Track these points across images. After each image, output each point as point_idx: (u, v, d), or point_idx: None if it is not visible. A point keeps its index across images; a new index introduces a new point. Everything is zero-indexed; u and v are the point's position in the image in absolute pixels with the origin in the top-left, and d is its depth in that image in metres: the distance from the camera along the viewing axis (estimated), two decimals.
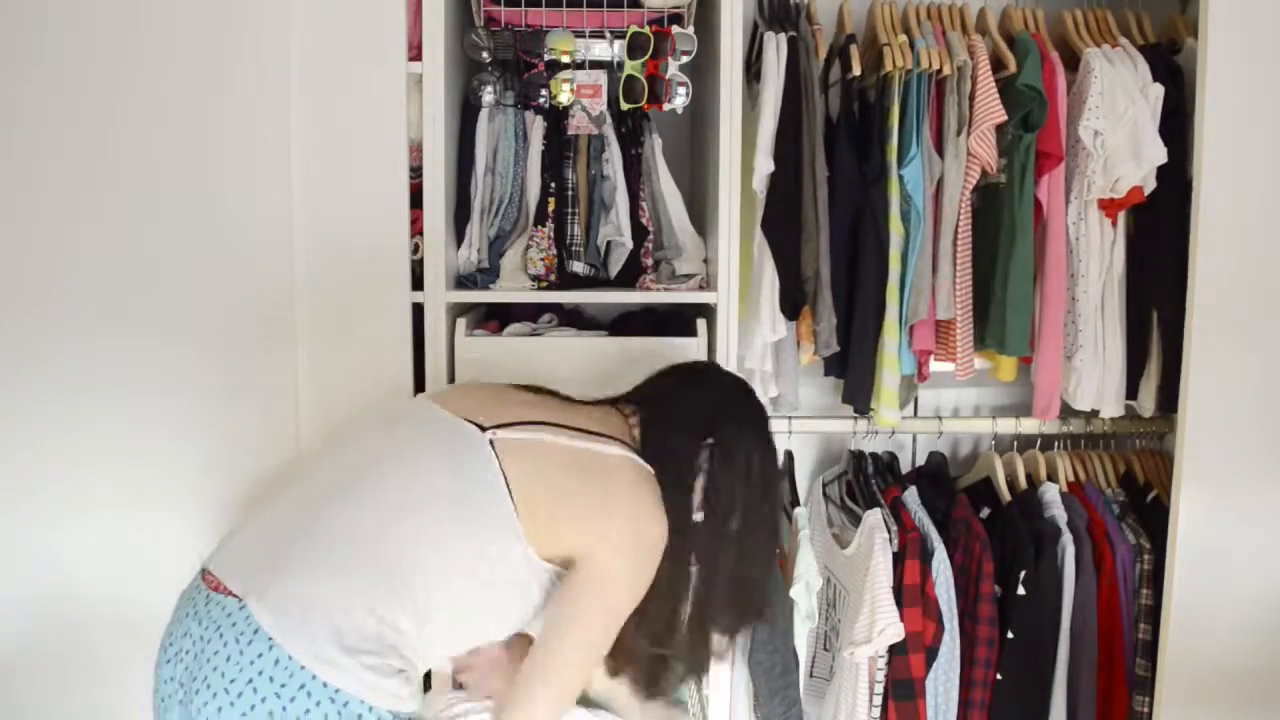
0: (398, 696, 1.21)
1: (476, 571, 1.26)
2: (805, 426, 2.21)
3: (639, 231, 1.99)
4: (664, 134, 2.03)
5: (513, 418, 1.34)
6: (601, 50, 1.90)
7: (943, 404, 2.35)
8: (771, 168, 1.88)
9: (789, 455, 2.26)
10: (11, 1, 1.73)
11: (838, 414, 2.20)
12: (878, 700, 1.96)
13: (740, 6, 1.82)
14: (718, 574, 1.41)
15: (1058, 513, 2.01)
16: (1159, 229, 1.96)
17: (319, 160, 1.79)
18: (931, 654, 1.94)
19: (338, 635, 1.17)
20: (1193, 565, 1.87)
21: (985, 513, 2.11)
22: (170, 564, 1.84)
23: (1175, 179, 1.91)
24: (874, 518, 1.97)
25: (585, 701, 1.62)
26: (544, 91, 1.89)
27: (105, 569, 1.84)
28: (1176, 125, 1.92)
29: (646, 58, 1.89)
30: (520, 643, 1.44)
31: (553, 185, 1.95)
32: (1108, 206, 1.96)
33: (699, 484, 1.39)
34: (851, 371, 1.96)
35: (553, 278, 1.94)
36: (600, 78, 1.90)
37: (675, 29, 1.87)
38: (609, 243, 1.98)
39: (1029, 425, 2.16)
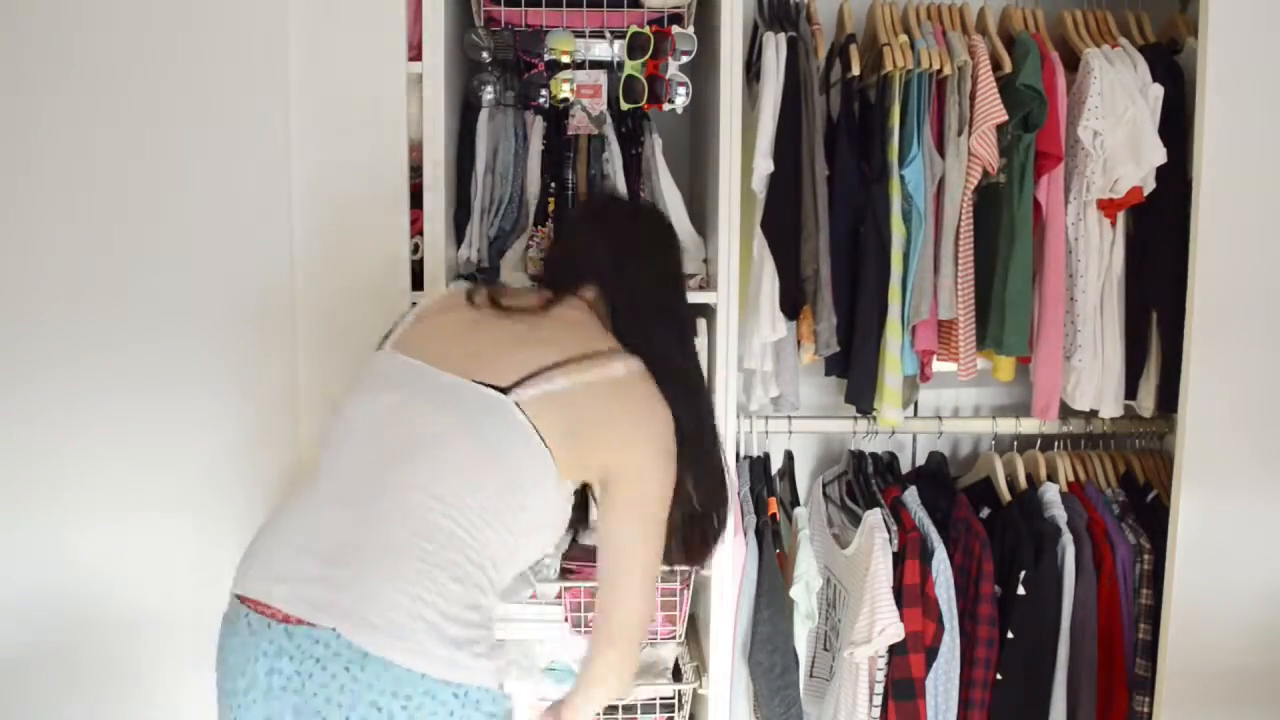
0: (501, 669, 1.25)
1: (529, 527, 1.31)
2: (805, 426, 2.21)
3: None
4: (664, 134, 2.03)
5: (521, 369, 1.31)
6: (601, 50, 1.90)
7: (943, 404, 2.35)
8: (771, 168, 1.88)
9: (789, 455, 2.26)
10: (11, 2, 1.73)
11: (838, 414, 2.20)
12: (878, 700, 1.96)
13: (740, 6, 1.82)
14: (701, 422, 1.47)
15: (1058, 513, 2.01)
16: (1159, 229, 1.96)
17: (319, 159, 1.79)
18: (931, 654, 1.94)
19: (440, 634, 1.18)
20: (1193, 565, 1.87)
21: (985, 513, 2.11)
22: (171, 564, 1.85)
23: (1175, 179, 1.91)
24: (874, 518, 1.97)
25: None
26: (544, 91, 1.89)
27: (106, 569, 1.84)
28: (1176, 125, 1.92)
29: (646, 58, 1.89)
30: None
31: (553, 185, 1.95)
32: (1107, 206, 1.96)
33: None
34: (854, 372, 1.96)
35: None
36: (600, 78, 1.90)
37: (675, 29, 1.87)
38: None
39: (1029, 425, 2.17)
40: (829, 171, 1.92)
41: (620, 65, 1.89)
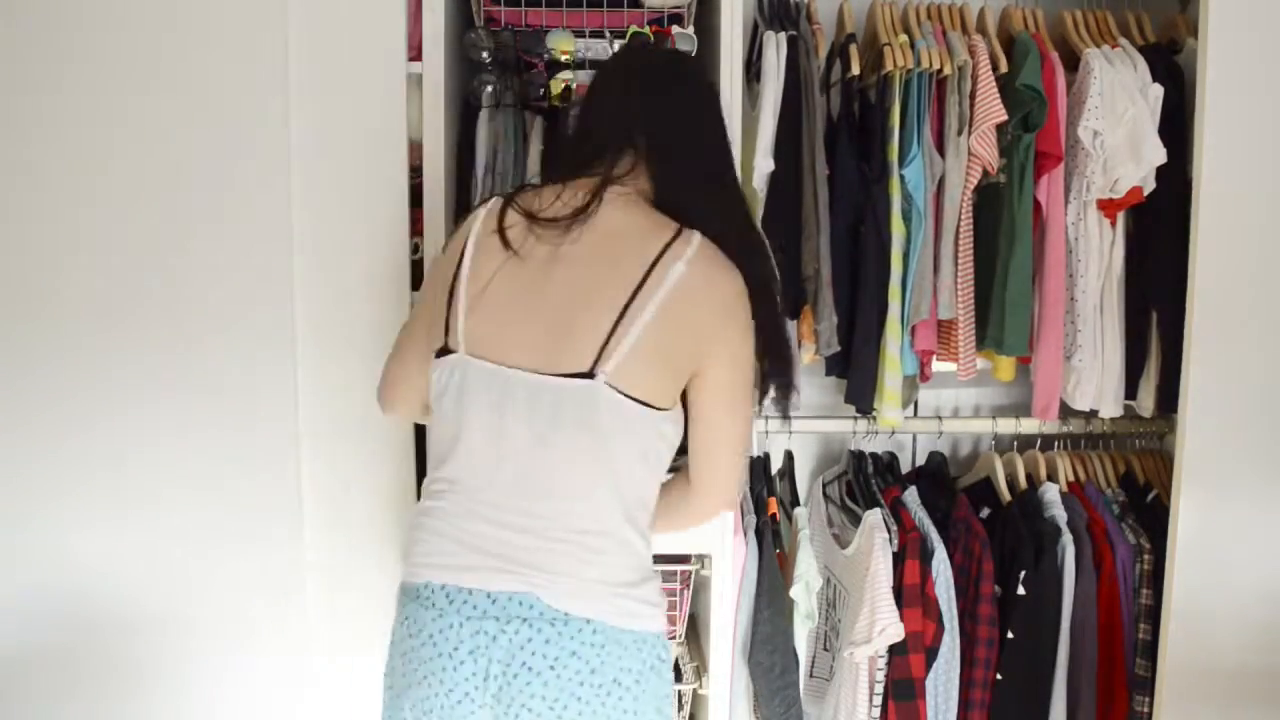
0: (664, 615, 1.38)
1: (663, 459, 1.37)
2: (805, 426, 2.21)
3: None
4: None
5: (595, 336, 1.28)
6: (601, 50, 1.90)
7: (943, 404, 2.35)
8: (771, 167, 1.88)
9: (789, 455, 2.26)
10: (11, 3, 1.73)
11: (838, 414, 2.20)
12: (878, 700, 1.96)
13: (740, 6, 1.82)
14: (765, 284, 1.42)
15: (1058, 513, 2.01)
16: (1158, 229, 1.96)
17: (319, 160, 1.79)
18: (931, 654, 1.94)
19: (615, 594, 1.30)
20: (1193, 565, 1.87)
21: (985, 513, 2.11)
22: (171, 564, 1.85)
23: (1175, 179, 1.91)
24: (874, 518, 1.97)
25: None
26: (544, 91, 1.89)
27: (106, 569, 1.84)
28: (1176, 125, 1.92)
29: None
30: None
31: None
32: (1107, 207, 1.96)
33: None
34: (854, 372, 1.96)
35: None
36: None
37: (675, 29, 1.87)
38: None
39: (1029, 425, 2.17)
40: (829, 171, 1.92)
41: None
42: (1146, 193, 1.92)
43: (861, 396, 1.97)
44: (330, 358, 1.82)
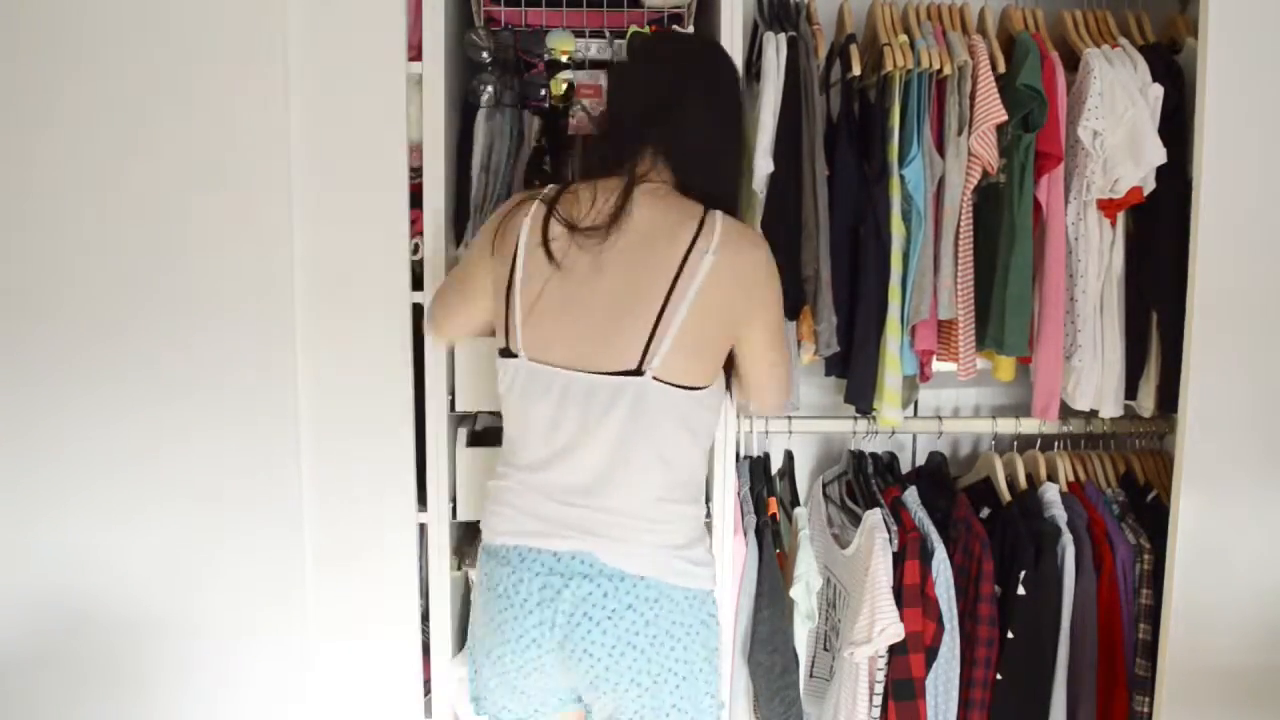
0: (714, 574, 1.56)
1: (710, 430, 1.55)
2: (805, 426, 2.21)
3: None
4: None
5: (640, 334, 1.42)
6: (601, 50, 1.90)
7: (943, 404, 2.35)
8: (771, 168, 1.88)
9: (789, 455, 2.26)
10: (11, 3, 1.73)
11: (838, 414, 2.20)
12: (878, 700, 1.96)
13: (740, 6, 1.82)
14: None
15: (1058, 513, 2.01)
16: (1158, 229, 1.96)
17: (319, 160, 1.79)
18: (931, 654, 1.94)
19: (670, 555, 1.46)
20: (1193, 565, 1.87)
21: (985, 513, 2.11)
22: (173, 563, 1.85)
23: (1175, 179, 1.91)
24: (874, 518, 1.97)
25: None
26: (543, 91, 1.89)
27: (107, 569, 1.84)
28: (1176, 125, 1.92)
29: None
30: None
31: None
32: (1107, 207, 1.96)
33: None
34: (854, 372, 1.96)
35: None
36: (600, 78, 1.90)
37: (675, 29, 1.87)
38: None
39: (1029, 425, 2.16)
40: (829, 172, 1.92)
41: None
42: (1146, 193, 1.92)
43: (861, 396, 1.97)
44: (331, 357, 1.82)
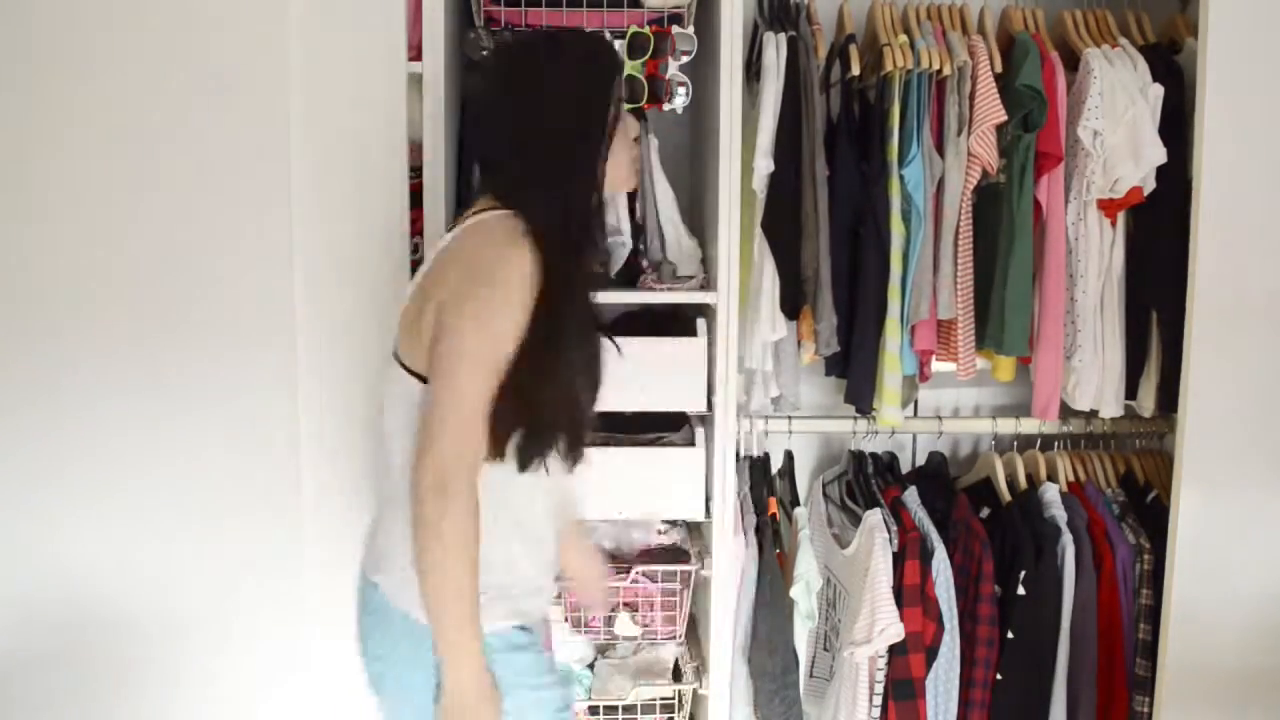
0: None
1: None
2: (805, 426, 2.21)
3: (638, 232, 1.99)
4: (664, 134, 2.03)
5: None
6: None
7: (943, 404, 2.35)
8: (771, 168, 1.88)
9: (789, 455, 2.26)
10: (12, 2, 1.73)
11: (838, 414, 2.20)
12: (878, 700, 1.96)
13: (740, 6, 1.82)
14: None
15: (1058, 513, 2.01)
16: (1159, 229, 1.96)
17: (319, 160, 1.79)
18: (931, 654, 1.94)
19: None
20: (1193, 565, 1.87)
21: (985, 513, 2.11)
22: (172, 564, 1.85)
23: (1175, 179, 1.91)
24: (874, 518, 1.97)
25: None
26: None
27: (106, 569, 1.84)
28: (1176, 125, 1.91)
29: (646, 58, 1.89)
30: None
31: None
32: (1107, 206, 1.96)
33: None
34: (854, 371, 1.96)
35: None
36: None
37: (675, 29, 1.87)
38: (609, 242, 1.98)
39: (1029, 425, 2.16)
40: (829, 171, 1.92)
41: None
42: (1146, 193, 1.92)
43: (861, 396, 1.97)
44: (331, 357, 1.82)
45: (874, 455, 2.23)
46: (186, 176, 1.77)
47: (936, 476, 2.23)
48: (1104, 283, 2.00)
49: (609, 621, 1.99)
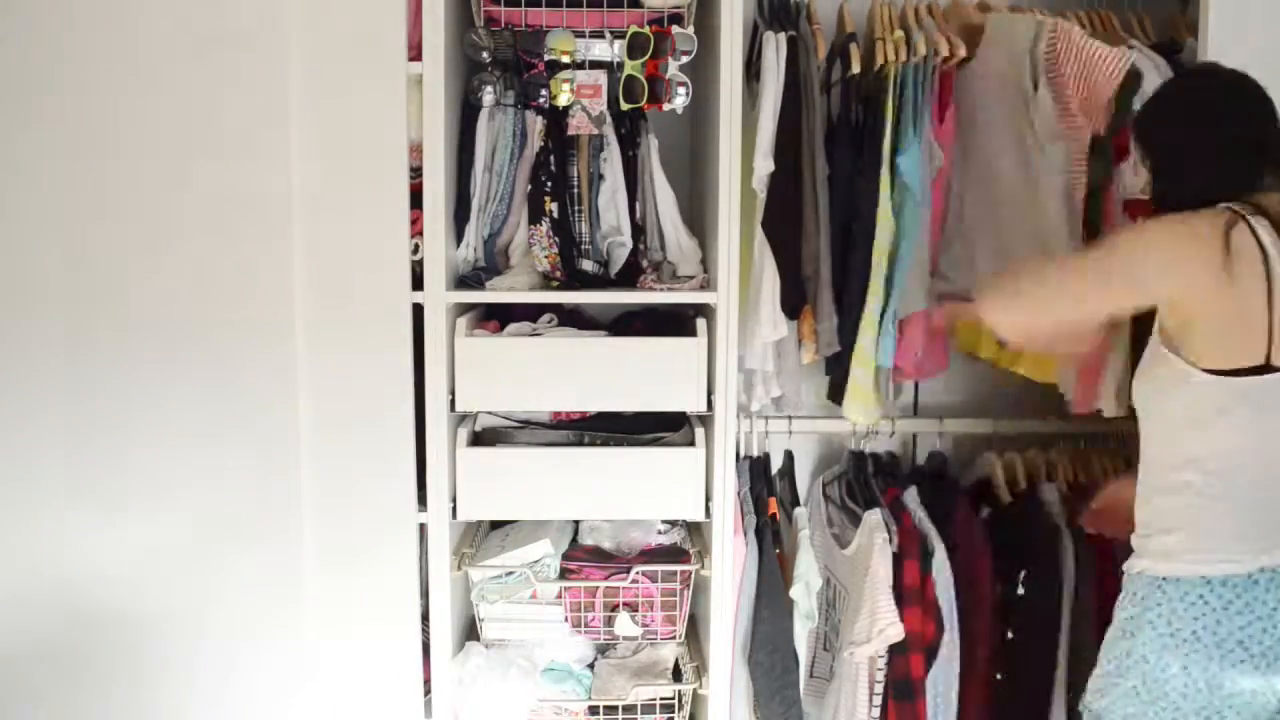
0: None
1: None
2: (805, 426, 2.21)
3: (638, 232, 1.99)
4: (664, 134, 2.03)
5: None
6: (601, 50, 1.90)
7: (943, 404, 2.35)
8: (771, 168, 1.88)
9: (789, 455, 2.26)
10: (12, 3, 1.73)
11: (838, 414, 2.19)
12: (878, 700, 1.96)
13: (740, 6, 1.82)
14: None
15: (1058, 513, 2.01)
16: None
17: (319, 160, 1.79)
18: (931, 654, 1.94)
19: None
20: None
21: (985, 513, 2.11)
22: (171, 563, 1.85)
23: None
24: (874, 518, 1.97)
25: None
26: (544, 91, 1.89)
27: (106, 568, 1.84)
28: None
29: (646, 58, 1.88)
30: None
31: (548, 184, 1.95)
32: (1133, 208, 1.95)
33: None
34: (834, 368, 1.96)
35: (559, 274, 1.95)
36: (600, 78, 1.90)
37: (675, 29, 1.87)
38: (609, 242, 1.98)
39: (1029, 425, 2.16)
40: (829, 171, 1.92)
41: (620, 65, 1.89)
42: None
43: (840, 394, 1.97)
44: (331, 357, 1.82)
45: (874, 455, 2.23)
46: (186, 178, 1.77)
47: (937, 476, 2.22)
48: None
49: (609, 621, 1.99)
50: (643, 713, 1.99)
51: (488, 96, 1.91)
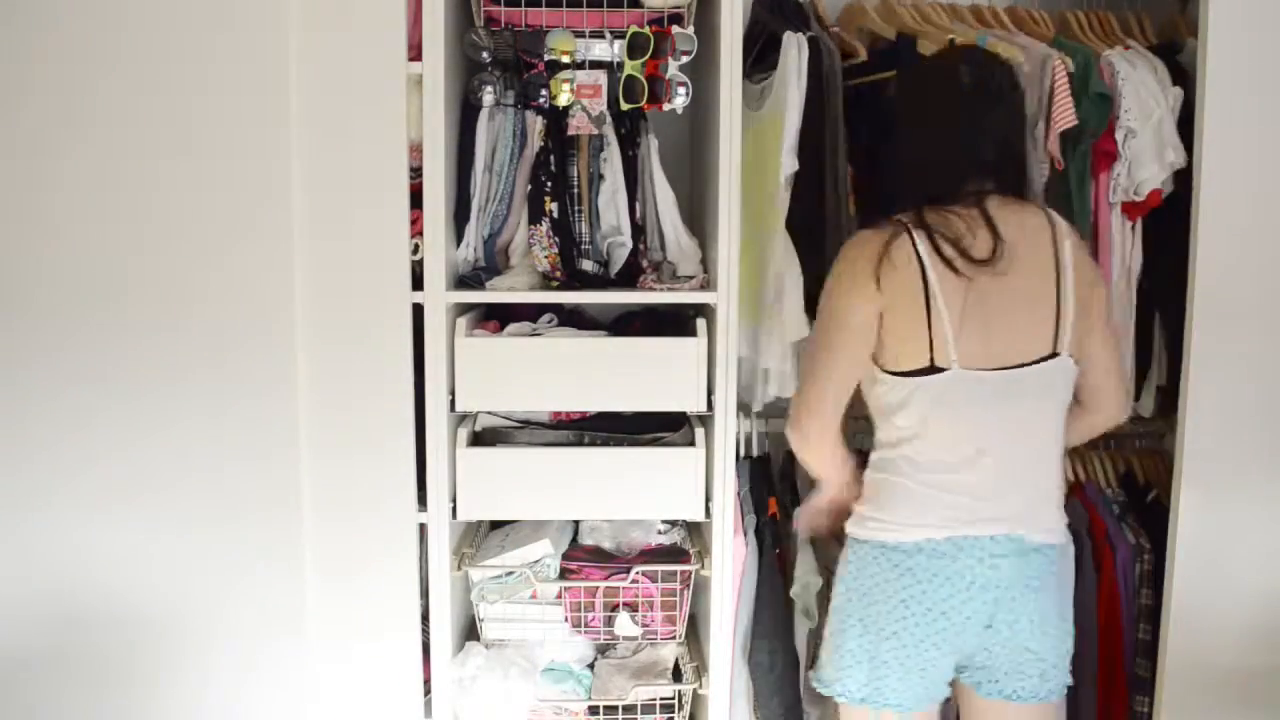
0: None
1: None
2: None
3: (638, 232, 1.99)
4: (664, 134, 2.03)
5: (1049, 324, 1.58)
6: (601, 50, 1.90)
7: None
8: (795, 167, 1.87)
9: (789, 455, 2.26)
10: (13, 1, 1.73)
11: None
12: None
13: (740, 6, 1.82)
14: None
15: None
16: (1164, 231, 1.95)
17: (319, 160, 1.79)
18: None
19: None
20: (1193, 565, 1.87)
21: None
22: (170, 563, 1.85)
23: (1178, 180, 1.91)
24: None
25: None
26: (544, 91, 1.89)
27: (105, 569, 1.84)
28: (1186, 128, 1.91)
29: (646, 58, 1.88)
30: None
31: (548, 184, 1.95)
32: (1130, 209, 1.95)
33: None
34: None
35: (559, 274, 1.95)
36: (600, 78, 1.90)
37: (675, 29, 1.87)
38: (609, 242, 1.98)
39: None
40: (852, 171, 1.91)
41: (620, 65, 1.89)
42: (1165, 195, 1.92)
43: None
44: (331, 357, 1.82)
45: None
46: (186, 177, 1.77)
47: None
48: (1123, 285, 1.99)
49: (609, 621, 1.99)
50: (643, 713, 1.99)
51: (488, 96, 1.91)
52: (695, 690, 1.98)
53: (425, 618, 1.94)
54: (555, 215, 1.94)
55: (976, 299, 1.51)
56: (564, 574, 1.98)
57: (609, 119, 1.94)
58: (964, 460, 1.55)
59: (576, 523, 2.12)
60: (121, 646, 1.86)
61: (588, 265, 1.96)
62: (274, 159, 1.78)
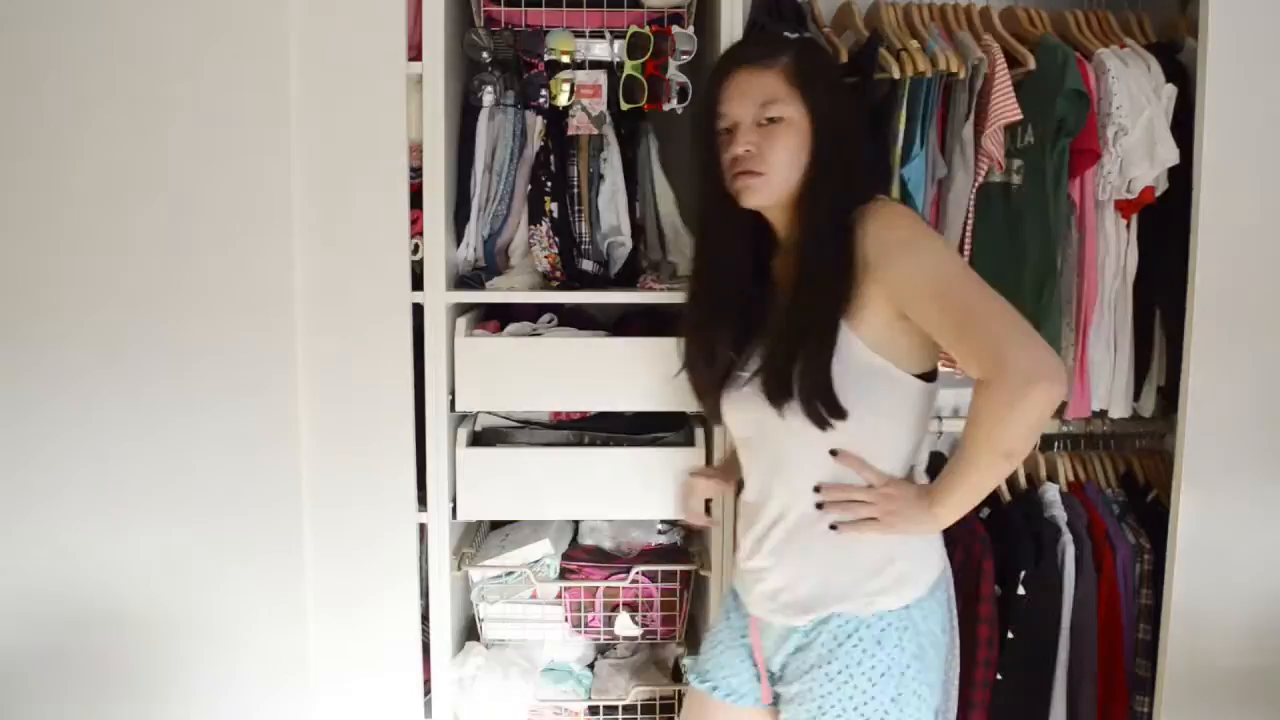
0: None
1: None
2: None
3: (638, 232, 1.99)
4: (664, 134, 2.03)
5: None
6: (601, 50, 1.90)
7: (943, 404, 2.34)
8: None
9: None
10: (13, 2, 1.73)
11: None
12: None
13: (740, 6, 1.82)
14: None
15: (1058, 513, 2.01)
16: (1163, 229, 1.96)
17: (319, 160, 1.79)
18: None
19: None
20: (1193, 565, 1.87)
21: (985, 513, 2.11)
22: (170, 564, 1.85)
23: (1177, 179, 1.91)
24: None
25: None
26: (544, 91, 1.89)
27: (105, 569, 1.84)
28: (1183, 126, 1.91)
29: (646, 58, 1.88)
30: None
31: (548, 184, 1.95)
32: (1124, 207, 1.95)
33: None
34: None
35: (559, 274, 1.95)
36: (600, 78, 1.90)
37: (675, 29, 1.87)
38: (609, 242, 1.98)
39: None
40: None
41: (620, 65, 1.89)
42: (1158, 193, 1.92)
43: None
44: (331, 357, 1.82)
45: None
46: (186, 176, 1.77)
47: (936, 476, 2.22)
48: (1119, 283, 1.99)
49: (609, 621, 1.99)
50: (643, 713, 1.99)
51: (488, 97, 1.91)
52: None
53: (425, 617, 1.94)
54: (555, 215, 1.94)
55: None
56: (564, 574, 1.98)
57: (609, 119, 1.94)
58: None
59: (576, 523, 2.12)
60: (121, 647, 1.86)
61: (588, 265, 1.96)
62: (274, 159, 1.78)
